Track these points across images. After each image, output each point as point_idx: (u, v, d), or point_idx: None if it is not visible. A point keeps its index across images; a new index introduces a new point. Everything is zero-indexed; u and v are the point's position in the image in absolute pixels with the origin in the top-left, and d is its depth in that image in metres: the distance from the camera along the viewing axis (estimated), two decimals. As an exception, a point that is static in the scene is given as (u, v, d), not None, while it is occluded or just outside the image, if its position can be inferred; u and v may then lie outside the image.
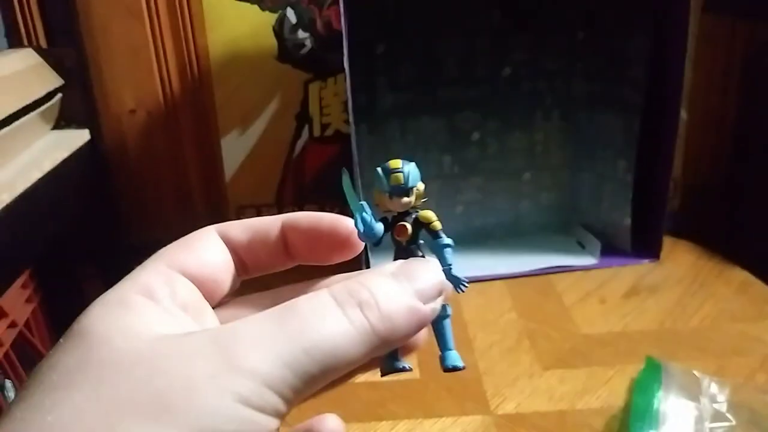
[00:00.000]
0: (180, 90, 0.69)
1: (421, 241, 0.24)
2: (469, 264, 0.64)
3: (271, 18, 0.68)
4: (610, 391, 0.48)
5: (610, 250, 0.68)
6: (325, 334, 0.19)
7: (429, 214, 0.23)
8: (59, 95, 0.64)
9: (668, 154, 0.63)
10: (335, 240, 0.24)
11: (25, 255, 0.56)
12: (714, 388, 0.46)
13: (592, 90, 0.70)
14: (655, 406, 0.44)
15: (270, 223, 0.24)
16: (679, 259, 0.67)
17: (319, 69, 0.70)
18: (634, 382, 0.48)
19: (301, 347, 0.18)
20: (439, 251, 0.23)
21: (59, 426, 0.17)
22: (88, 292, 0.67)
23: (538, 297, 0.61)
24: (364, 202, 0.23)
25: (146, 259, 0.23)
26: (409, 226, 0.23)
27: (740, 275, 0.64)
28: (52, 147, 0.61)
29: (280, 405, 0.18)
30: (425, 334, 0.24)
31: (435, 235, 0.23)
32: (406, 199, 0.23)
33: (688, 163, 0.75)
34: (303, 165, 0.73)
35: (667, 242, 0.67)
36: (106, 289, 0.21)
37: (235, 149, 0.71)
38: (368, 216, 0.23)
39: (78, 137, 0.64)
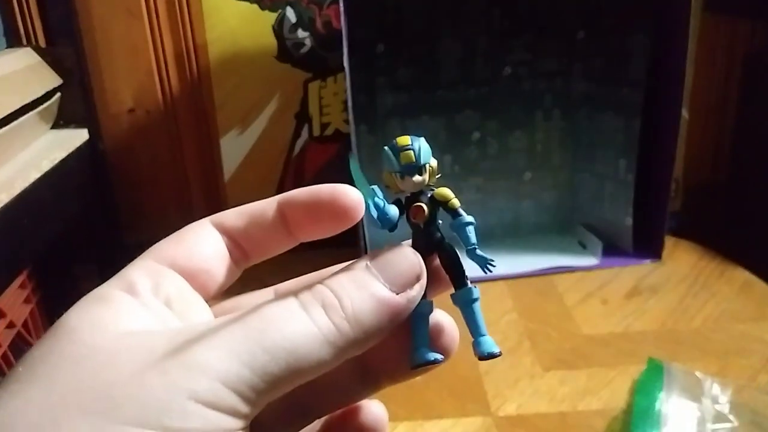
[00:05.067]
0: (179, 89, 0.69)
1: (440, 222, 0.22)
2: (468, 264, 0.64)
3: (270, 17, 0.68)
4: (611, 392, 0.48)
5: (612, 250, 0.68)
6: (286, 333, 0.18)
7: (445, 192, 0.22)
8: (58, 95, 0.64)
9: (669, 153, 0.63)
10: (336, 210, 0.22)
11: (23, 255, 0.56)
12: (716, 389, 0.45)
13: (592, 90, 0.70)
14: (657, 407, 0.44)
15: (266, 205, 0.24)
16: (681, 259, 0.67)
17: (318, 68, 0.70)
18: (635, 383, 0.48)
19: (260, 346, 0.18)
20: (460, 230, 0.22)
21: (6, 420, 0.17)
22: (87, 292, 0.66)
23: (539, 297, 0.61)
24: (375, 186, 0.21)
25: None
26: (425, 207, 0.22)
27: (742, 275, 0.64)
28: (50, 146, 0.61)
29: (239, 404, 0.18)
30: (452, 327, 0.23)
31: (454, 213, 0.22)
32: (418, 178, 0.21)
33: (690, 163, 0.75)
34: (303, 164, 0.73)
35: (669, 242, 0.67)
36: None
37: (234, 148, 0.71)
38: (381, 200, 0.21)
39: (77, 137, 0.64)
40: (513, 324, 0.57)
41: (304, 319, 0.19)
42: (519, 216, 0.73)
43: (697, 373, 0.47)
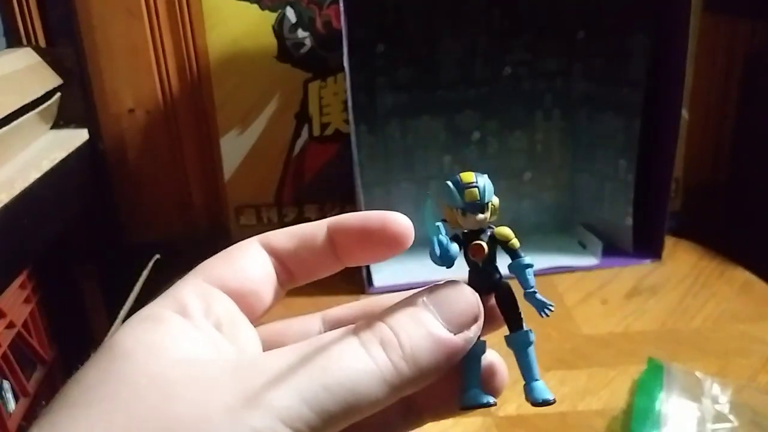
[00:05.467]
0: (179, 89, 0.69)
1: (497, 261, 0.22)
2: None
3: (270, 17, 0.68)
4: (611, 392, 0.48)
5: (612, 250, 0.67)
6: (346, 372, 0.18)
7: (506, 231, 0.22)
8: (58, 95, 0.64)
9: (669, 153, 0.63)
10: (387, 236, 0.23)
11: (23, 255, 0.56)
12: (716, 389, 0.45)
13: (592, 89, 0.69)
14: (657, 407, 0.44)
15: (315, 228, 0.24)
16: (681, 259, 0.67)
17: (318, 68, 0.70)
18: (635, 383, 0.48)
19: (321, 384, 0.18)
20: (519, 272, 0.22)
21: None
22: (87, 293, 0.66)
23: (539, 297, 0.61)
24: (440, 224, 0.21)
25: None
26: (485, 245, 0.21)
27: (742, 275, 0.63)
28: (50, 146, 0.61)
29: None
30: (503, 368, 0.23)
31: (514, 254, 0.22)
32: (481, 216, 0.21)
33: (690, 163, 0.74)
34: (302, 164, 0.73)
35: (669, 242, 0.67)
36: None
37: (234, 149, 0.71)
38: (444, 238, 0.21)
39: (76, 137, 0.64)
40: (513, 324, 0.57)
41: (364, 358, 0.19)
42: (519, 216, 0.72)
43: (697, 373, 0.46)
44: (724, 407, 0.44)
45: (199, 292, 0.21)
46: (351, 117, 0.59)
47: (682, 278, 0.63)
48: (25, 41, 0.64)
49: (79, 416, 0.17)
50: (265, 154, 0.72)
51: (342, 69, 0.57)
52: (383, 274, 0.64)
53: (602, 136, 0.69)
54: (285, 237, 0.24)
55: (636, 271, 0.65)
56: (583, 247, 0.70)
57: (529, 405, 0.50)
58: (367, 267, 0.64)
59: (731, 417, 0.43)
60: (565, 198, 0.74)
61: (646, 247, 0.67)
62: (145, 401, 0.17)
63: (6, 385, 0.56)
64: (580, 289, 0.62)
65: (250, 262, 0.23)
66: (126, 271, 0.64)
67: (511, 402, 0.47)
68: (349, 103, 0.58)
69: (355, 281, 0.63)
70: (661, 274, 0.64)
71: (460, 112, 0.69)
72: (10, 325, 0.57)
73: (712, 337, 0.54)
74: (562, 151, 0.72)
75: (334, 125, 0.72)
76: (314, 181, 0.74)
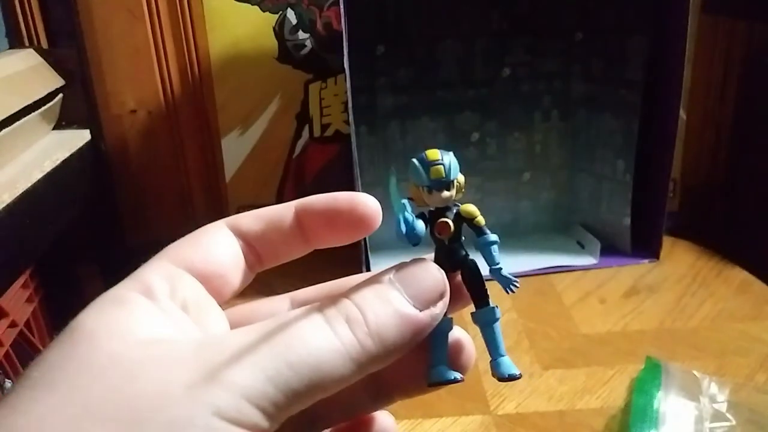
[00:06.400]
0: (181, 90, 0.69)
1: (464, 238, 0.22)
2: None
3: (271, 19, 0.68)
4: (609, 391, 0.48)
5: (610, 250, 0.68)
6: (311, 349, 0.18)
7: (471, 209, 0.22)
8: (60, 96, 0.64)
9: (667, 154, 0.63)
10: (354, 218, 0.22)
11: (25, 255, 0.56)
12: (714, 387, 0.45)
13: (591, 90, 0.70)
14: (655, 406, 0.44)
15: (283, 210, 0.23)
16: (679, 258, 0.67)
17: (319, 70, 0.70)
18: (633, 382, 0.48)
19: (285, 361, 0.18)
20: (484, 249, 0.22)
21: (31, 428, 0.16)
22: (89, 292, 0.66)
23: (538, 297, 0.61)
24: (406, 201, 0.21)
25: (149, 257, 0.23)
26: (450, 223, 0.22)
27: (740, 275, 0.64)
28: (52, 147, 0.61)
29: (260, 420, 0.17)
30: (470, 345, 0.23)
31: (479, 231, 0.22)
32: (446, 194, 0.21)
33: (687, 163, 0.75)
34: (303, 165, 0.73)
35: (667, 242, 0.67)
36: (106, 289, 0.21)
37: (235, 149, 0.71)
38: (410, 216, 0.21)
39: (79, 137, 0.64)
40: (512, 323, 0.57)
41: (329, 334, 0.19)
42: (518, 216, 0.73)
43: (695, 372, 0.47)
44: (722, 406, 0.44)
45: (165, 274, 0.21)
46: (351, 118, 0.59)
47: (680, 278, 0.64)
48: (27, 42, 0.64)
49: (39, 398, 0.17)
50: (266, 154, 0.72)
51: (342, 70, 0.57)
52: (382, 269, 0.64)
53: (600, 137, 0.70)
54: (253, 219, 0.23)
55: (634, 271, 0.65)
56: (581, 247, 0.70)
57: (528, 404, 0.50)
58: (367, 262, 0.64)
59: (729, 416, 0.43)
60: (563, 198, 0.74)
61: (644, 247, 0.67)
62: (106, 382, 0.17)
63: (9, 384, 0.56)
64: (579, 289, 0.62)
65: (217, 244, 0.23)
66: (127, 270, 0.64)
67: (510, 400, 0.47)
68: (350, 104, 0.58)
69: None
70: (659, 273, 0.64)
71: (459, 113, 0.70)
72: (13, 325, 0.57)
73: (710, 336, 0.54)
74: (560, 151, 0.73)
75: (335, 126, 0.73)
76: (315, 182, 0.74)
